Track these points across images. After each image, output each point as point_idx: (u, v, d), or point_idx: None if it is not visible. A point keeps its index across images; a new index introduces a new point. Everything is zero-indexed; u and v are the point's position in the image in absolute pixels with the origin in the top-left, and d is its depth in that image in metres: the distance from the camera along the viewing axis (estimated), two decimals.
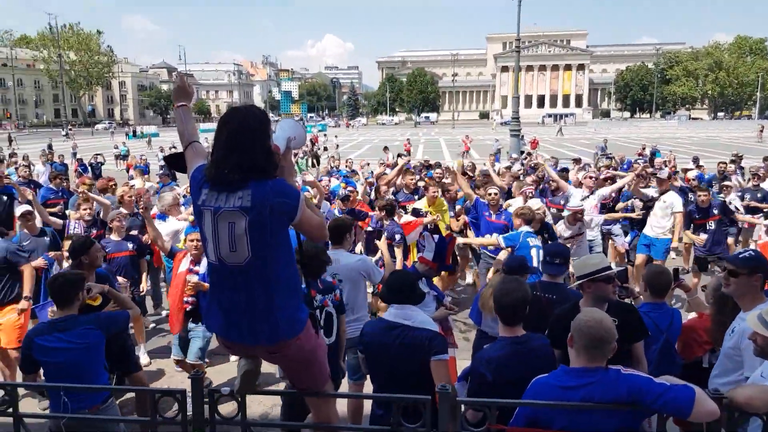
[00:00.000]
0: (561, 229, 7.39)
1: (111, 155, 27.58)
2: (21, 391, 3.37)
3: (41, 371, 3.68)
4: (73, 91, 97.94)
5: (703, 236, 8.08)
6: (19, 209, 6.80)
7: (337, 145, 36.21)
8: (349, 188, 8.99)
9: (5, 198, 9.93)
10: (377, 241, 6.53)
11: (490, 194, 7.34)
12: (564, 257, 4.30)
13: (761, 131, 44.23)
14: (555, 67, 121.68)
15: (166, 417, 2.75)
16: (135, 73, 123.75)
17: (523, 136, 32.64)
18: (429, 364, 3.19)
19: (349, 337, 4.18)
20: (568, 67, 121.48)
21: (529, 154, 24.74)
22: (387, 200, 6.88)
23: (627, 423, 2.41)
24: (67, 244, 5.71)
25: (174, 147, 24.05)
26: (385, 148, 23.12)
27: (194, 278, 5.30)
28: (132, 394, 5.36)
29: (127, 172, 14.21)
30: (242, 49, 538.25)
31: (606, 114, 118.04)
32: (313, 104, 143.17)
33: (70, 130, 56.81)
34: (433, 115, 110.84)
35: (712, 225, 8.15)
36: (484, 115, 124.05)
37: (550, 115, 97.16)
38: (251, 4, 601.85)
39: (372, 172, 12.62)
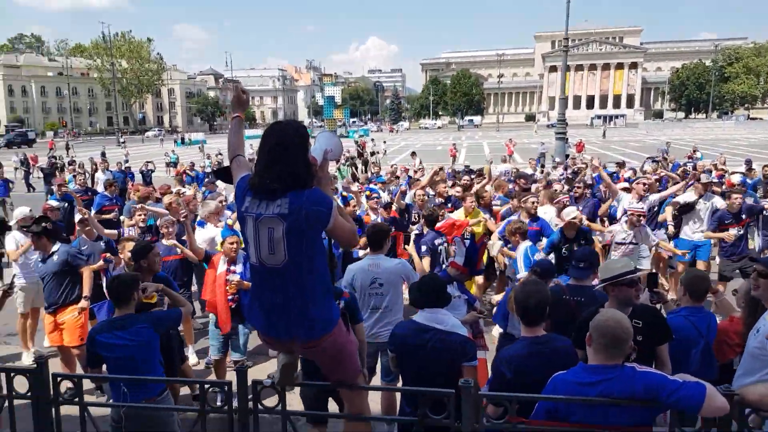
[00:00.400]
0: (617, 230, 7.27)
1: (161, 162, 28.57)
2: (85, 384, 3.69)
3: (104, 367, 4.03)
4: (124, 99, 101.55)
5: (733, 231, 7.75)
6: (78, 215, 7.28)
7: (385, 151, 36.31)
8: (374, 196, 9.04)
9: (66, 205, 10.61)
10: (406, 247, 6.72)
11: (527, 201, 7.45)
12: (590, 261, 4.39)
13: None
14: (606, 66, 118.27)
15: (215, 407, 3.02)
16: (183, 81, 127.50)
17: (567, 139, 32.17)
18: (458, 368, 3.35)
19: (385, 340, 4.36)
20: (619, 66, 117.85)
21: (573, 158, 24.43)
22: (430, 209, 7.04)
23: (641, 418, 2.53)
24: (128, 245, 6.12)
25: (220, 154, 24.81)
26: (413, 154, 23.19)
27: (236, 277, 5.63)
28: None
29: (181, 180, 14.76)
30: (287, 54, 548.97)
31: (659, 115, 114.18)
32: (356, 108, 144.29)
33: (122, 139, 59.25)
34: (477, 118, 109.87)
35: (741, 230, 7.90)
36: (531, 117, 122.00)
37: (599, 117, 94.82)
38: (295, 9, 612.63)
39: (408, 178, 12.75)
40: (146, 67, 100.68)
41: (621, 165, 14.34)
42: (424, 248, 6.26)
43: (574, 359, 2.96)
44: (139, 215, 7.77)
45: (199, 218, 7.71)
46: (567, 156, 26.14)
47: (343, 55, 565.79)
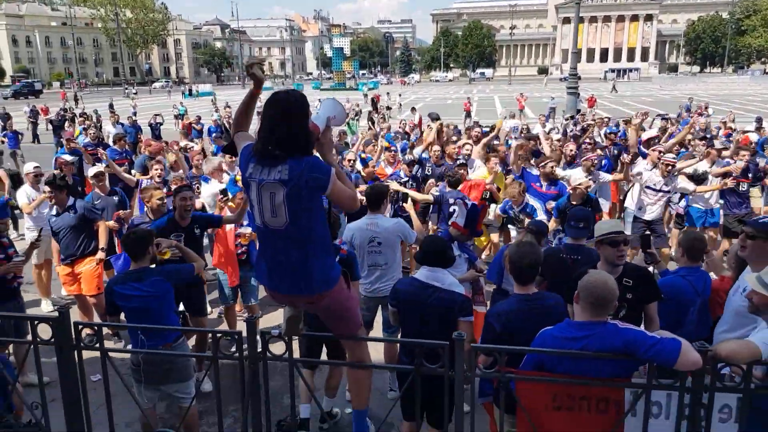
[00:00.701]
0: (649, 176, 7.26)
1: (170, 114, 28.50)
2: (104, 331, 3.93)
3: (122, 315, 4.28)
4: (130, 50, 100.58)
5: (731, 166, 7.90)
6: (92, 170, 7.45)
7: (400, 105, 35.65)
8: (392, 149, 9.08)
9: (76, 159, 10.76)
10: (405, 205, 6.81)
11: (546, 166, 7.48)
12: (587, 221, 4.54)
13: None
14: (621, 18, 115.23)
15: (226, 353, 3.24)
16: (189, 31, 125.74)
17: (579, 94, 31.69)
18: (455, 323, 3.56)
19: (384, 294, 4.58)
20: (634, 18, 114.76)
21: (583, 114, 24.16)
22: (453, 172, 6.92)
23: (622, 370, 2.72)
24: (155, 193, 6.05)
25: (229, 106, 24.67)
26: (413, 109, 22.96)
27: (248, 229, 5.87)
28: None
29: (186, 134, 14.71)
30: (294, 3, 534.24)
31: (674, 69, 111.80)
32: (366, 60, 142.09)
33: (129, 89, 58.68)
34: (488, 71, 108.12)
35: (744, 186, 7.99)
36: (543, 71, 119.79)
37: (612, 71, 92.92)
38: None
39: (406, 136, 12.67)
40: (151, 16, 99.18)
41: (627, 122, 14.18)
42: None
43: (563, 316, 3.13)
44: (156, 169, 7.90)
45: (204, 174, 7.85)
46: (578, 111, 25.87)
47: (352, 4, 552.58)
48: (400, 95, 41.55)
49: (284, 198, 2.71)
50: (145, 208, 6.09)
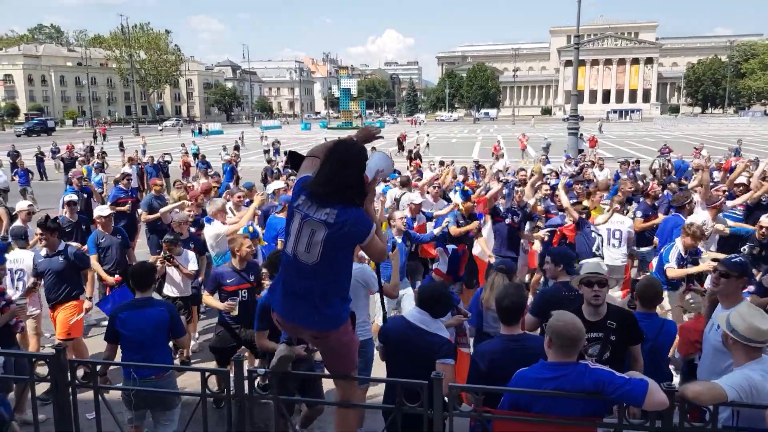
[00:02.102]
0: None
1: (178, 153, 28.87)
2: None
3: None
4: (143, 89, 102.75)
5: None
6: (98, 210, 7.59)
7: (428, 144, 34.94)
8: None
9: (84, 196, 11.04)
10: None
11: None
12: (570, 259, 4.71)
13: None
14: (621, 61, 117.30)
15: (214, 392, 3.34)
16: (201, 72, 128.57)
17: (582, 134, 32.03)
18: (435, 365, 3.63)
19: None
20: (635, 61, 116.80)
21: (584, 153, 24.42)
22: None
23: (594, 409, 2.82)
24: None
25: (240, 141, 24.94)
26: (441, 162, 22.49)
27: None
28: None
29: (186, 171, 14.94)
30: (304, 46, 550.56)
31: (675, 110, 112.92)
32: (372, 100, 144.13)
33: (134, 127, 59.15)
34: (492, 111, 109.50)
35: None
36: (547, 111, 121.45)
37: (615, 111, 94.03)
38: (312, 2, 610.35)
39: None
40: (164, 58, 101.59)
41: (624, 164, 14.36)
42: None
43: (545, 357, 3.21)
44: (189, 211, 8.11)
45: (208, 215, 7.94)
46: (580, 151, 26.15)
47: (360, 47, 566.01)
48: (428, 135, 40.62)
49: (323, 239, 2.89)
50: (232, 260, 5.81)
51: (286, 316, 3.10)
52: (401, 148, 34.88)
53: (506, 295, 3.59)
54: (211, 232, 7.22)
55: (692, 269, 5.92)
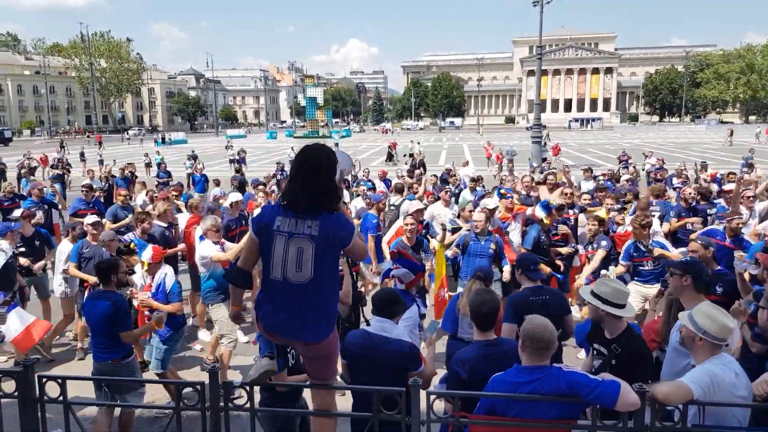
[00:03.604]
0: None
1: (141, 162, 28.31)
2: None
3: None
4: (103, 98, 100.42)
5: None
6: (88, 220, 7.52)
7: (420, 152, 34.67)
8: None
9: (46, 207, 10.72)
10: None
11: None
12: (537, 263, 4.82)
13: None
14: (582, 71, 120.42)
15: (189, 405, 3.28)
16: (164, 80, 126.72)
17: (545, 143, 32.72)
18: (404, 371, 3.58)
19: None
20: (595, 71, 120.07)
21: (549, 161, 24.93)
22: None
23: (568, 412, 2.88)
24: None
25: (193, 157, 24.47)
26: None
27: (146, 296, 5.91)
28: None
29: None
30: (268, 55, 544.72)
31: (634, 118, 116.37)
32: (339, 109, 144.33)
33: (88, 137, 56.94)
34: (458, 120, 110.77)
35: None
36: (510, 120, 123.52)
37: (576, 120, 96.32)
38: (274, 10, 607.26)
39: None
40: (126, 66, 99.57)
41: (588, 171, 14.73)
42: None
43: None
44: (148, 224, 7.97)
45: (199, 233, 7.41)
46: (544, 159, 26.68)
47: (325, 56, 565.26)
48: (419, 143, 39.74)
49: (312, 254, 2.86)
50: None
51: (280, 333, 3.07)
52: (390, 158, 34.52)
53: (483, 301, 3.63)
54: (201, 251, 6.92)
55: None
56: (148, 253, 6.14)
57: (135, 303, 5.96)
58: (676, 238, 8.64)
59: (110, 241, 7.15)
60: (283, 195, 3.01)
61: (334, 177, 2.98)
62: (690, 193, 9.26)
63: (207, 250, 6.80)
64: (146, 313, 6.00)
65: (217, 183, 14.69)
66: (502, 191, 9.74)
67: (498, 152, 31.90)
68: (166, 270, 6.05)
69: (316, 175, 2.90)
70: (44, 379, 3.24)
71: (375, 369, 3.64)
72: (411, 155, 32.63)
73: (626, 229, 7.70)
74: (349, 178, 15.84)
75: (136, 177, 19.15)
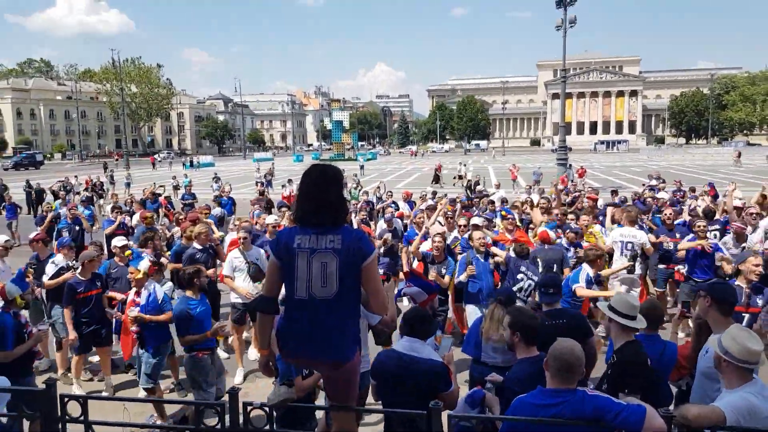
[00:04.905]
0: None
1: (170, 185, 28.74)
2: None
3: None
4: (134, 123, 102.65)
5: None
6: (119, 241, 7.77)
7: (466, 175, 33.11)
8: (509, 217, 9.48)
9: (77, 228, 11.02)
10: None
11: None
12: (557, 286, 4.72)
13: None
14: (607, 94, 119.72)
15: (210, 426, 3.27)
16: (193, 105, 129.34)
17: (571, 164, 32.41)
18: (435, 391, 3.53)
19: None
20: (620, 94, 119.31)
21: (574, 183, 24.66)
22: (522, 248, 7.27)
23: None
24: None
25: (217, 179, 24.92)
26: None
27: (135, 311, 6.00)
28: None
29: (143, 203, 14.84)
30: (295, 79, 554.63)
31: (660, 140, 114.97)
32: (364, 132, 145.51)
33: (116, 160, 57.52)
34: (483, 143, 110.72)
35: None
36: (536, 142, 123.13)
37: (602, 142, 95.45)
38: (303, 36, 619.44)
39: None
40: (156, 91, 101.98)
41: (615, 192, 14.58)
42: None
43: None
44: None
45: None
46: (570, 181, 26.43)
47: (351, 81, 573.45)
48: (465, 165, 38.91)
49: (337, 267, 2.84)
50: None
51: (306, 355, 3.03)
52: (437, 179, 34.08)
53: (529, 316, 3.83)
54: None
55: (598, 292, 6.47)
56: (145, 264, 6.29)
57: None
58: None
59: (89, 261, 6.92)
60: (295, 213, 3.02)
61: (342, 191, 3.02)
62: (669, 214, 9.27)
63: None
64: (133, 328, 6.03)
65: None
66: (503, 212, 9.98)
67: (511, 166, 31.78)
68: (153, 284, 6.21)
69: (326, 187, 2.94)
70: (66, 399, 3.27)
71: (405, 390, 3.57)
72: (460, 177, 32.88)
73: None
74: (374, 199, 15.95)
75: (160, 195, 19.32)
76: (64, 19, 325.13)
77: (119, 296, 6.81)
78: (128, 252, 7.12)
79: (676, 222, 9.49)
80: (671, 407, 4.00)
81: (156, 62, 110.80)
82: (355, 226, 8.94)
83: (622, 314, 3.67)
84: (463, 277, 6.97)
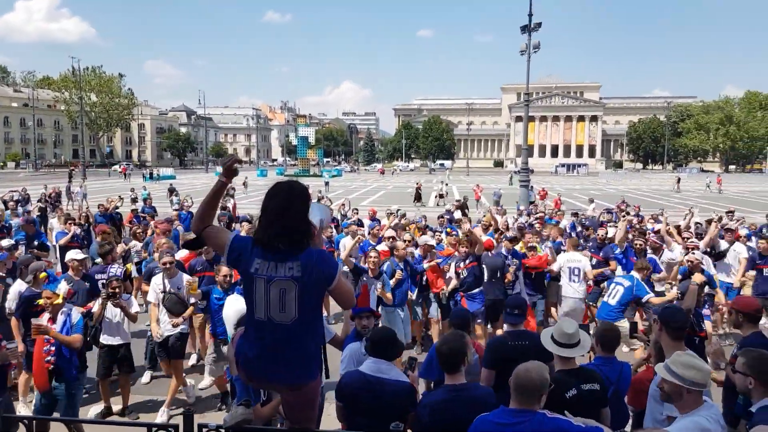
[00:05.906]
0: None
1: (127, 197, 27.99)
2: None
3: None
4: (92, 132, 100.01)
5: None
6: (73, 254, 7.33)
7: (447, 194, 34.16)
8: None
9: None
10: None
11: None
12: (522, 308, 4.74)
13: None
14: (568, 118, 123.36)
15: None
16: (154, 116, 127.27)
17: (532, 186, 33.04)
18: (404, 412, 3.52)
19: None
20: (581, 119, 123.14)
21: (536, 204, 25.14)
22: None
23: None
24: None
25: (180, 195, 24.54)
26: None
27: (42, 321, 5.36)
28: None
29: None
30: (261, 94, 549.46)
31: (619, 165, 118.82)
32: (330, 149, 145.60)
33: (74, 169, 55.14)
34: (447, 162, 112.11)
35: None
36: (499, 163, 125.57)
37: (563, 165, 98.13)
38: (269, 52, 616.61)
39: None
40: (116, 101, 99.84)
41: (575, 215, 14.89)
42: None
43: (491, 407, 3.14)
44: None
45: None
46: (531, 202, 26.91)
47: (318, 97, 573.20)
48: (447, 184, 39.16)
49: (296, 294, 2.73)
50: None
51: (265, 378, 2.95)
52: (419, 198, 34.10)
53: (444, 341, 3.55)
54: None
55: None
56: (63, 287, 6.07)
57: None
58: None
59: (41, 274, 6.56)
60: (256, 233, 2.86)
61: (307, 212, 2.86)
62: (605, 234, 9.91)
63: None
64: (46, 339, 5.38)
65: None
66: (448, 229, 10.74)
67: (474, 186, 32.48)
68: (71, 308, 5.69)
69: (288, 210, 2.78)
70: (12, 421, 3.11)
71: (372, 411, 3.52)
72: (440, 196, 33.47)
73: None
74: (339, 216, 15.87)
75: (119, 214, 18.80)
76: (23, 25, 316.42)
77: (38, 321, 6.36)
78: (43, 275, 6.45)
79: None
80: (627, 428, 4.08)
81: (118, 72, 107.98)
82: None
83: (561, 344, 3.74)
84: (392, 282, 7.49)
